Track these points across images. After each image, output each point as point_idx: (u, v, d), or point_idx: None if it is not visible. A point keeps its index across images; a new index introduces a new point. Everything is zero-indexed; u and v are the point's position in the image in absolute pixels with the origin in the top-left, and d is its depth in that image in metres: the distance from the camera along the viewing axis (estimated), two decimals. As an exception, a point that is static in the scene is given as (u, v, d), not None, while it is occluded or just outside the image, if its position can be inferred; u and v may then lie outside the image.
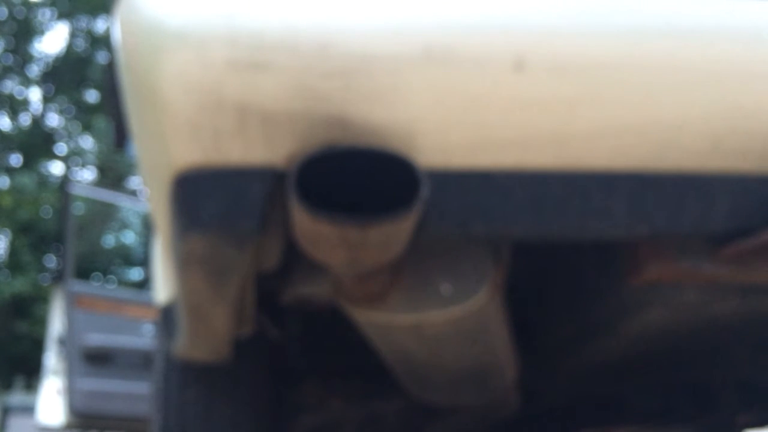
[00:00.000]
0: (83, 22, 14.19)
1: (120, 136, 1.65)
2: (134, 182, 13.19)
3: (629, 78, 0.90)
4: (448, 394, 1.53)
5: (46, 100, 14.11)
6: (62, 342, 4.86)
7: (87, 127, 13.67)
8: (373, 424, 1.95)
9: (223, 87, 0.84)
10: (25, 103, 13.91)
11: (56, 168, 13.74)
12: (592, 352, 1.50)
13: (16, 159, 13.49)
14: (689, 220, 0.96)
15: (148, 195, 1.07)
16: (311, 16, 0.85)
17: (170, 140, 0.87)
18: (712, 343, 1.50)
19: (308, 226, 0.86)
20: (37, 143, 13.35)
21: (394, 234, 0.87)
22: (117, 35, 0.93)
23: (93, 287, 6.57)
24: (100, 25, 14.01)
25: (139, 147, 1.01)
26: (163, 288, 1.39)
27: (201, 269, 0.97)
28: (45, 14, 13.94)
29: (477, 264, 1.09)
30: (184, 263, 0.97)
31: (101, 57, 13.69)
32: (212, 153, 0.86)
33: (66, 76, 13.78)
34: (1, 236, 12.18)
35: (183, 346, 1.32)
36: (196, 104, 0.84)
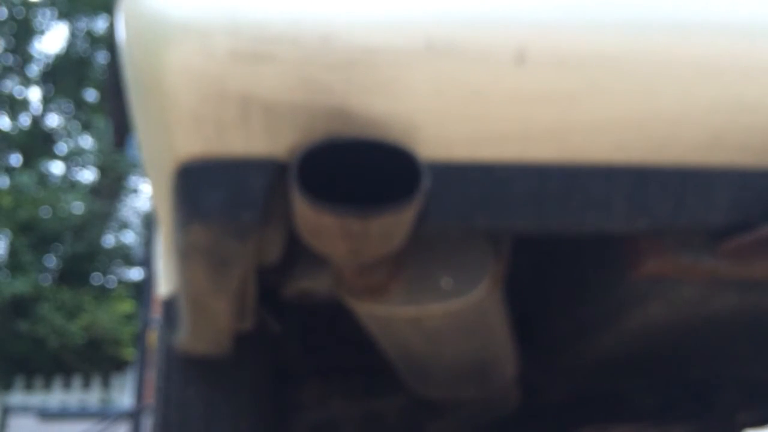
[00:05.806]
0: (83, 22, 14.16)
1: (119, 136, 1.65)
2: (134, 182, 13.21)
3: (630, 71, 0.90)
4: (448, 388, 1.53)
5: (46, 100, 14.09)
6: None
7: (87, 127, 13.65)
8: (374, 422, 1.95)
9: (226, 78, 0.84)
10: (24, 103, 13.89)
11: (56, 168, 13.74)
12: (592, 348, 1.50)
13: (16, 159, 13.47)
14: (689, 214, 0.97)
15: (150, 187, 1.07)
16: (314, 7, 0.85)
17: (173, 131, 0.87)
18: (712, 340, 1.50)
19: (310, 217, 0.86)
20: (36, 143, 13.33)
21: (395, 225, 0.87)
22: (121, 27, 0.93)
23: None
24: (99, 25, 13.99)
25: (141, 139, 1.01)
26: (165, 281, 1.40)
27: (203, 260, 0.98)
28: (45, 14, 13.92)
29: (477, 257, 1.10)
30: (185, 254, 0.97)
31: (101, 57, 13.67)
32: (214, 144, 0.87)
33: (66, 76, 13.76)
34: (1, 236, 12.15)
35: (184, 338, 1.32)
36: (198, 95, 0.84)
